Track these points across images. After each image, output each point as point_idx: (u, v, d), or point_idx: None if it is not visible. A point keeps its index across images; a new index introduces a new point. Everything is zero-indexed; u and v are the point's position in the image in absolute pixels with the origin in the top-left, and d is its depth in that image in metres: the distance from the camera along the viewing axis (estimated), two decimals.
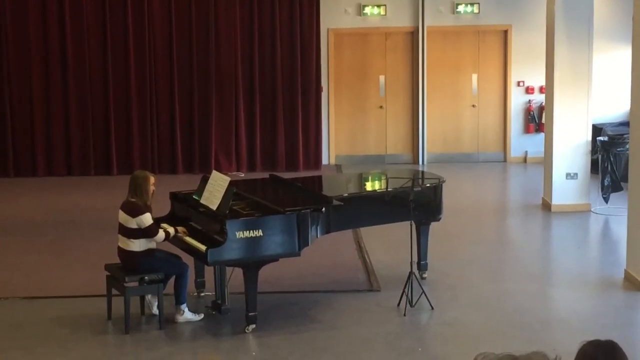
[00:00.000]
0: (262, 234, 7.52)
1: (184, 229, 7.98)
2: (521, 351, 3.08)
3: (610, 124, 15.30)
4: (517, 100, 16.72)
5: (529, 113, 16.63)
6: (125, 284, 7.76)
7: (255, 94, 16.01)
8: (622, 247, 9.81)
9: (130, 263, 7.86)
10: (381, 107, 16.80)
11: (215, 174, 8.11)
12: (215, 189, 7.85)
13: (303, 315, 8.23)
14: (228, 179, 7.88)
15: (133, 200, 7.80)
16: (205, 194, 7.96)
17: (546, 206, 12.64)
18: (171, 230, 7.89)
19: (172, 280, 8.02)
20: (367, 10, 16.43)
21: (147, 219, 7.72)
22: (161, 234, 7.78)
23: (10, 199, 13.90)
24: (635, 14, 9.18)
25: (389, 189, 8.59)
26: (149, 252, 7.84)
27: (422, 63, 16.50)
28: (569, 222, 11.95)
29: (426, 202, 8.87)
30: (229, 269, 8.06)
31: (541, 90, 15.92)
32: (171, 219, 8.41)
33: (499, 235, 11.97)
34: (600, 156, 12.70)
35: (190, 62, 15.85)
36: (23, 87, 15.65)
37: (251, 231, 7.47)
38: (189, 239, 7.86)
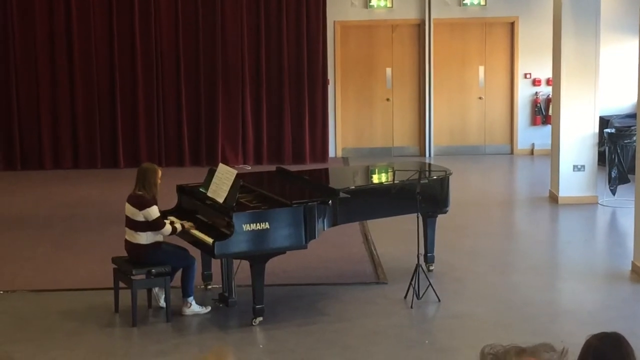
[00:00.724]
0: (269, 227, 7.52)
1: (192, 224, 7.97)
2: (528, 343, 3.08)
3: (617, 115, 15.25)
4: (524, 93, 16.69)
5: (536, 105, 16.61)
6: (133, 277, 7.78)
7: (261, 87, 16.00)
8: (630, 239, 9.80)
9: (137, 256, 7.87)
10: (388, 99, 16.78)
11: (222, 167, 8.11)
12: (222, 182, 7.85)
13: (310, 307, 8.24)
14: (235, 171, 7.88)
15: (140, 193, 7.81)
16: (212, 186, 7.96)
17: (553, 198, 12.62)
18: (178, 225, 7.89)
19: (179, 273, 8.03)
20: (374, 2, 16.40)
21: (154, 211, 7.73)
22: (168, 227, 7.79)
23: (17, 192, 13.92)
24: None
25: (395, 182, 8.59)
26: (155, 245, 7.85)
27: (428, 55, 16.47)
28: (576, 215, 11.94)
29: (433, 195, 8.87)
30: (235, 262, 8.07)
31: (548, 82, 15.89)
32: (178, 212, 8.42)
33: (506, 227, 11.96)
34: (607, 148, 12.68)
35: (196, 55, 15.84)
36: (29, 80, 15.66)
37: (258, 224, 7.48)
38: (195, 232, 7.87)
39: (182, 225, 7.91)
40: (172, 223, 7.91)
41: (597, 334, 3.49)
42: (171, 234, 7.85)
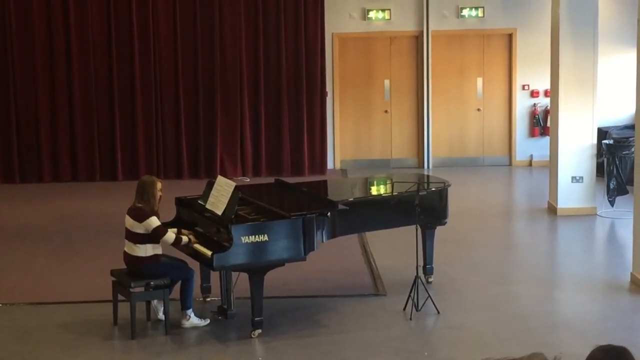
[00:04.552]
0: (267, 239, 7.52)
1: (195, 240, 7.92)
2: (526, 355, 3.09)
3: (615, 127, 15.29)
4: (522, 104, 16.72)
5: (534, 116, 16.63)
6: (131, 290, 7.77)
7: (260, 99, 16.02)
8: (628, 250, 9.80)
9: (136, 268, 7.87)
10: (386, 111, 16.80)
11: (220, 179, 8.11)
12: (220, 194, 7.85)
13: (309, 319, 8.23)
14: (233, 184, 7.88)
15: (140, 205, 7.81)
16: (211, 199, 7.96)
17: (552, 210, 12.62)
18: (185, 238, 7.86)
19: (178, 286, 8.03)
20: (372, 14, 16.44)
21: (153, 221, 7.72)
22: (170, 235, 7.75)
23: (16, 205, 13.92)
24: None
25: (394, 193, 8.59)
26: (154, 258, 7.85)
27: (426, 67, 16.50)
28: (574, 226, 11.94)
29: (432, 206, 8.87)
30: (234, 274, 8.07)
31: (546, 93, 15.92)
32: (177, 224, 8.41)
33: (505, 239, 11.95)
34: (605, 159, 12.69)
35: (195, 66, 15.86)
36: (28, 93, 15.67)
37: (257, 236, 7.48)
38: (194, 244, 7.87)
39: (189, 240, 7.88)
40: (179, 234, 7.88)
41: (602, 346, 3.44)
42: (175, 243, 7.81)
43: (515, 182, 16.08)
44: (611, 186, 12.47)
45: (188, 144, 15.98)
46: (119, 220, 8.17)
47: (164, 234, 7.75)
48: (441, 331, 8.06)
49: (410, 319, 8.15)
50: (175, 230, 8.02)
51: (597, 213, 12.42)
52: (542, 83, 16.00)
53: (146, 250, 7.81)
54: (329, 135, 16.50)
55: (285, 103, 16.05)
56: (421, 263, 8.85)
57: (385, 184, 9.87)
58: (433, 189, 9.01)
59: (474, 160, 16.88)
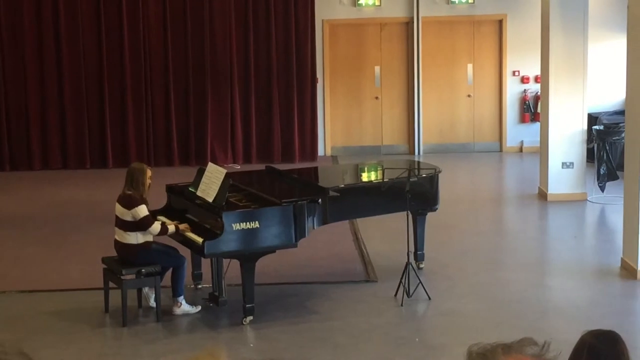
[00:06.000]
0: (258, 226, 7.52)
1: (187, 226, 7.93)
2: (516, 340, 3.09)
3: (605, 112, 15.29)
4: (512, 90, 16.71)
5: (525, 102, 16.63)
6: (122, 277, 7.77)
7: (250, 86, 15.99)
8: (619, 235, 9.82)
9: (127, 256, 7.87)
10: (377, 97, 16.78)
11: (211, 166, 8.11)
12: (211, 181, 7.85)
13: (300, 306, 8.24)
14: (224, 171, 7.88)
15: (129, 192, 7.80)
16: (202, 186, 7.96)
17: (542, 195, 12.65)
18: (171, 227, 7.86)
19: (169, 273, 8.03)
20: (362, 1, 16.40)
21: (142, 210, 7.71)
22: (156, 226, 7.76)
23: (6, 193, 13.88)
24: (630, 2, 9.18)
25: (385, 180, 8.60)
26: (145, 245, 7.84)
27: (417, 53, 16.48)
28: (565, 211, 11.96)
29: (422, 193, 8.88)
30: (225, 261, 8.07)
31: (536, 79, 15.91)
32: (167, 212, 8.41)
33: (496, 225, 11.97)
34: (596, 145, 12.70)
35: (185, 55, 15.81)
36: (18, 80, 15.60)
37: (248, 223, 7.48)
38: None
39: (177, 227, 7.87)
40: (164, 224, 7.88)
41: (592, 331, 3.46)
42: (161, 234, 7.82)
43: (505, 168, 16.09)
44: (601, 172, 12.49)
45: (178, 131, 15.95)
46: (109, 208, 8.16)
47: (150, 225, 7.74)
48: (432, 317, 8.09)
49: (402, 305, 8.17)
50: (160, 222, 7.99)
51: (588, 199, 12.44)
52: (533, 69, 15.99)
53: (137, 237, 7.80)
54: (320, 122, 16.48)
55: (276, 90, 16.03)
56: (412, 249, 8.87)
57: (376, 171, 9.88)
58: (424, 175, 9.02)
59: (465, 147, 16.88)
